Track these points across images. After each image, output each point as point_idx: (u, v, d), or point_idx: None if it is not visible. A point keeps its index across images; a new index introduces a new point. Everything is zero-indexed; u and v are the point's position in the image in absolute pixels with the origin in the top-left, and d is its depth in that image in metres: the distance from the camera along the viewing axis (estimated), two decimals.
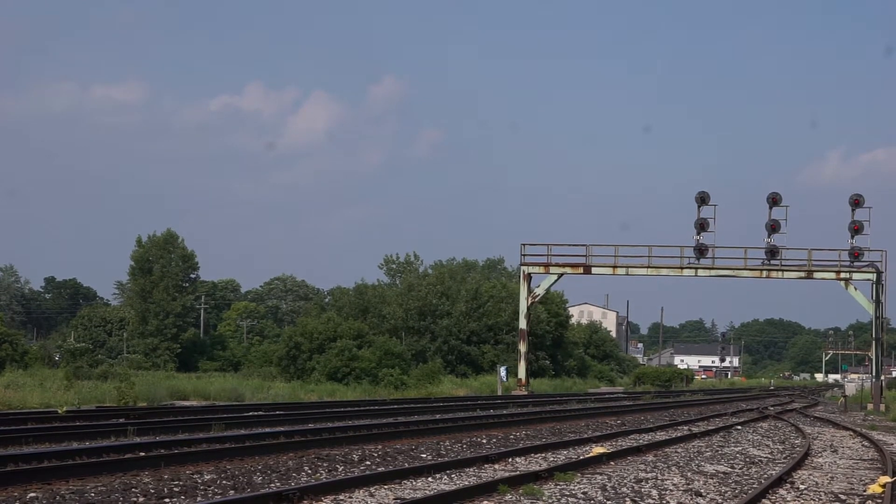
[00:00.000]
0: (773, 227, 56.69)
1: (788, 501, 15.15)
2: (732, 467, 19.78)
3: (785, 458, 22.32)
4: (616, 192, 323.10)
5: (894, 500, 14.93)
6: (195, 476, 15.00)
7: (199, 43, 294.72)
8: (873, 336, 60.06)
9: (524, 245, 59.13)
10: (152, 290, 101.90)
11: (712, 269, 58.23)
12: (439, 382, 64.73)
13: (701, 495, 15.32)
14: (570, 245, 59.50)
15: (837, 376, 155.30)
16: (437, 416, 30.00)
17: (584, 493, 14.91)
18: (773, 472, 18.90)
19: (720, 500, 14.87)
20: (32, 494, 12.72)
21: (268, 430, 22.29)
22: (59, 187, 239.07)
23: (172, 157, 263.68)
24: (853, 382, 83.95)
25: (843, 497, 15.85)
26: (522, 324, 59.50)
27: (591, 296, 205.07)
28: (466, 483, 15.28)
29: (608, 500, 14.41)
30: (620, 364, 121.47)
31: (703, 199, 57.31)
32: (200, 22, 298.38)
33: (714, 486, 16.44)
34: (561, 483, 15.84)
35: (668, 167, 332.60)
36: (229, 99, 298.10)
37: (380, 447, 20.59)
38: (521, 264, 59.60)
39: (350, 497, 13.44)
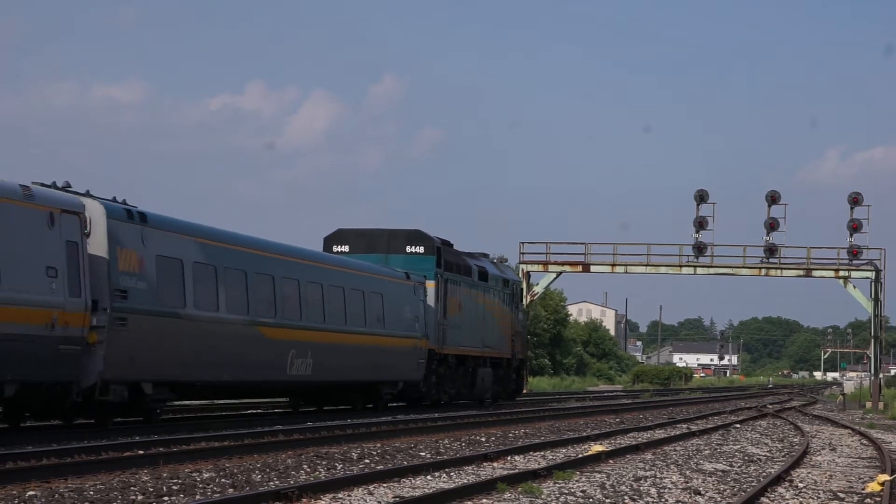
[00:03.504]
0: (772, 226, 56.63)
1: (787, 500, 15.15)
2: (731, 465, 19.78)
3: (784, 456, 22.32)
4: (616, 192, 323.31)
5: (893, 498, 14.94)
6: (194, 474, 15.00)
7: (200, 43, 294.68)
8: (872, 334, 60.05)
9: (522, 243, 59.14)
10: None
11: (711, 267, 58.18)
12: None
13: (700, 493, 15.32)
14: (568, 243, 59.50)
15: (836, 374, 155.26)
16: (436, 415, 29.99)
17: (582, 491, 14.91)
18: (772, 470, 18.91)
19: (719, 499, 14.87)
20: (32, 493, 12.72)
21: (266, 428, 22.28)
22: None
23: (172, 156, 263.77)
24: (852, 380, 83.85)
25: (841, 495, 15.86)
26: None
27: (590, 294, 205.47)
28: (465, 481, 15.28)
29: (607, 498, 14.41)
30: (619, 362, 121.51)
31: (701, 198, 57.25)
32: (201, 22, 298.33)
33: (713, 485, 16.45)
34: (560, 481, 15.83)
35: (667, 167, 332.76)
36: (230, 98, 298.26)
37: (378, 445, 20.59)
38: (520, 262, 59.55)
39: (349, 495, 13.43)
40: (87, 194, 20.70)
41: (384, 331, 31.01)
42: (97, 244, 20.24)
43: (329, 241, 34.92)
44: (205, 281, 23.45)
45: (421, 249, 34.12)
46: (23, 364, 18.51)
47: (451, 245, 36.48)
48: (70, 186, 20.60)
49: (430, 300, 33.54)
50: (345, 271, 29.75)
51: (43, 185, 19.79)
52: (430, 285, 33.65)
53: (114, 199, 21.41)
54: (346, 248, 34.21)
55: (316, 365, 27.40)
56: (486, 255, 40.60)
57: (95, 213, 20.39)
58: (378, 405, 32.03)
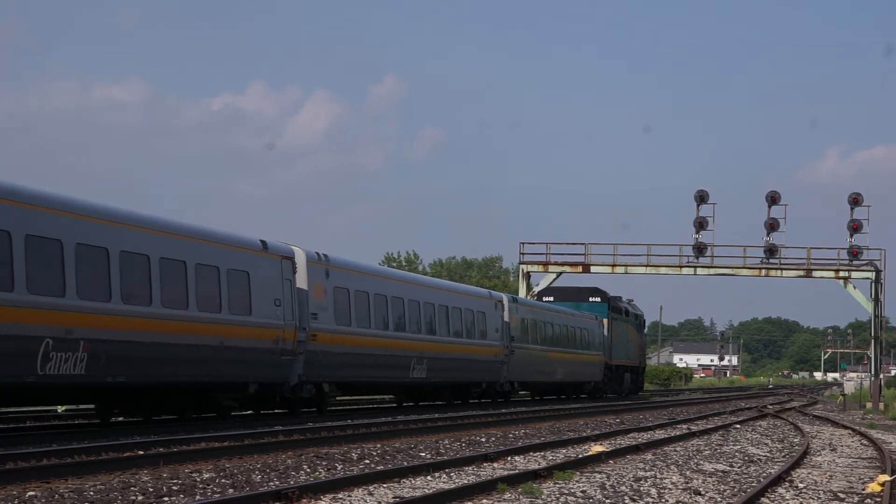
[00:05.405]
0: (772, 226, 56.62)
1: (787, 500, 15.15)
2: (731, 466, 19.78)
3: (784, 456, 22.32)
4: (616, 192, 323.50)
5: (893, 498, 14.94)
6: (194, 474, 14.99)
7: (201, 43, 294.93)
8: (872, 335, 60.08)
9: (523, 244, 59.20)
10: None
11: (711, 267, 58.20)
12: None
13: (700, 494, 15.32)
14: (568, 244, 59.57)
15: (836, 375, 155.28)
16: (436, 415, 29.99)
17: (582, 491, 14.91)
18: (772, 470, 18.91)
19: (719, 499, 14.87)
20: (32, 493, 12.72)
21: (266, 428, 22.28)
22: (59, 186, 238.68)
23: (173, 156, 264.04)
24: (852, 381, 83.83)
25: (841, 495, 15.85)
26: None
27: None
28: (465, 482, 15.27)
29: (607, 498, 14.41)
30: None
31: (702, 198, 57.24)
32: (201, 22, 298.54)
33: (713, 485, 16.45)
34: (560, 482, 15.83)
35: (667, 167, 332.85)
36: (231, 98, 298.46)
37: (378, 445, 20.59)
38: (520, 263, 59.59)
39: (349, 495, 13.43)
40: (499, 301, 41.13)
41: (588, 351, 51.37)
42: (507, 317, 40.91)
43: (541, 294, 55.78)
44: (533, 329, 44.00)
45: (598, 299, 54.97)
46: (485, 372, 39.41)
47: (607, 292, 56.45)
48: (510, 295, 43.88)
49: (605, 331, 53.79)
50: (574, 317, 50.16)
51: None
52: (605, 322, 53.93)
53: (490, 287, 44.06)
54: (551, 298, 53.27)
55: (564, 372, 48.09)
56: (620, 298, 58.99)
57: (505, 300, 41.44)
58: (578, 395, 52.48)
